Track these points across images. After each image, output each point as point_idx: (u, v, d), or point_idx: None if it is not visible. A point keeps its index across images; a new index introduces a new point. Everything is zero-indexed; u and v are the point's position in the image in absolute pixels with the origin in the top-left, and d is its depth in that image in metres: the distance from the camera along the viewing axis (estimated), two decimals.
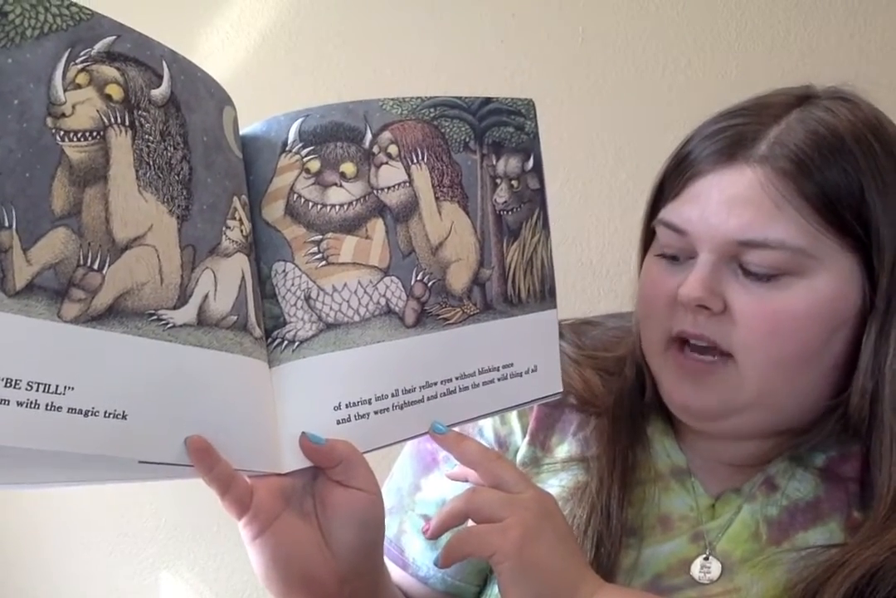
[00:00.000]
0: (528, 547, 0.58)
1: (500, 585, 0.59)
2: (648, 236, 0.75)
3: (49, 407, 0.44)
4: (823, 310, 0.67)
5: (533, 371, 0.67)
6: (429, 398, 0.61)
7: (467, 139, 0.66)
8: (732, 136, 0.68)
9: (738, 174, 0.67)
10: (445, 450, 0.63)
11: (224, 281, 0.54)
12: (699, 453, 0.76)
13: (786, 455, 0.72)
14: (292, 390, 0.57)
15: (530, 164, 0.69)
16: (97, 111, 0.48)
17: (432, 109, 0.64)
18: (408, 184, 0.62)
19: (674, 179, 0.72)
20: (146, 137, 0.50)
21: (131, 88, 0.49)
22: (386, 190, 0.62)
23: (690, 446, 0.77)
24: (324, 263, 0.59)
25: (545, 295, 0.69)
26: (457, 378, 0.63)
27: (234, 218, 0.55)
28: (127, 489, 1.23)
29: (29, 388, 0.43)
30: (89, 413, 0.46)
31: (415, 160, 0.63)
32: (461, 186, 0.65)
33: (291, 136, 0.60)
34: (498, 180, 0.67)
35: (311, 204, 0.59)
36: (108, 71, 0.49)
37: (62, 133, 0.46)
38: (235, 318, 0.55)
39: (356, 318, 0.59)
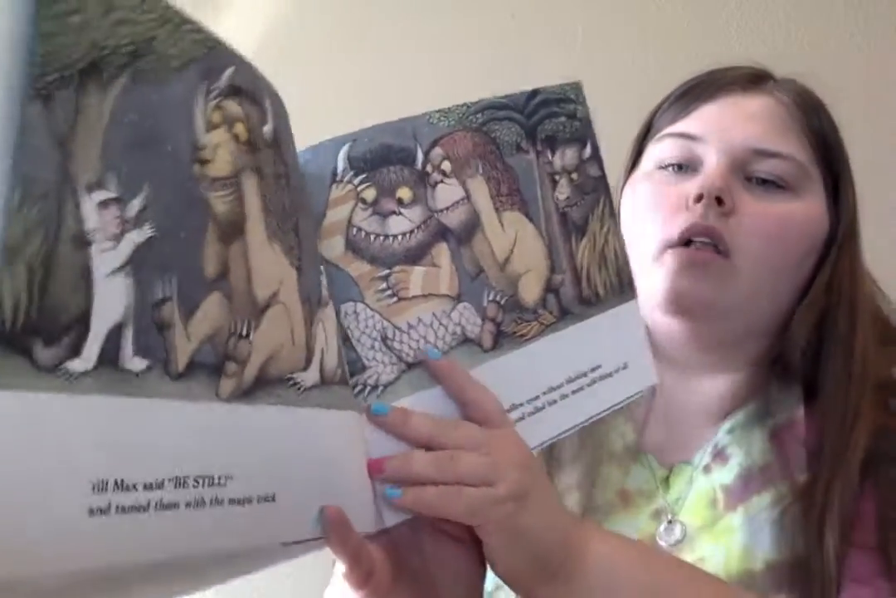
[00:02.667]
0: (522, 514, 0.53)
1: (492, 554, 0.54)
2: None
3: (213, 502, 0.39)
4: (811, 228, 0.74)
5: (623, 369, 0.65)
6: (517, 420, 0.59)
7: (518, 140, 0.62)
8: (745, 75, 0.77)
9: (754, 98, 0.75)
10: (391, 433, 0.54)
11: (329, 333, 0.51)
12: (657, 417, 0.80)
13: (739, 418, 0.75)
14: (380, 440, 0.56)
15: (588, 151, 0.65)
16: (230, 154, 0.42)
17: (479, 115, 0.60)
18: (466, 200, 0.59)
19: (677, 109, 0.77)
20: (267, 180, 0.45)
21: (252, 127, 0.44)
22: (445, 211, 0.59)
23: (648, 419, 0.80)
24: (395, 299, 0.57)
25: (623, 286, 0.66)
26: (544, 393, 0.61)
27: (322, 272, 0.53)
28: None
29: (196, 484, 0.38)
30: (246, 502, 0.41)
31: (469, 173, 0.60)
32: (519, 192, 0.62)
33: (341, 164, 0.56)
34: (556, 177, 0.64)
35: (372, 237, 0.57)
36: (234, 107, 0.43)
37: (208, 182, 0.41)
38: (341, 371, 0.52)
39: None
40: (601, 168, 0.66)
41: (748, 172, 0.72)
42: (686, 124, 0.75)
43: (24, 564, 0.31)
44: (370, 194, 0.57)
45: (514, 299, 0.60)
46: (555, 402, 0.61)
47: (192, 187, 0.40)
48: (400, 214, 0.57)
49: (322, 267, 0.55)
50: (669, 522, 0.74)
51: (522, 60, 1.01)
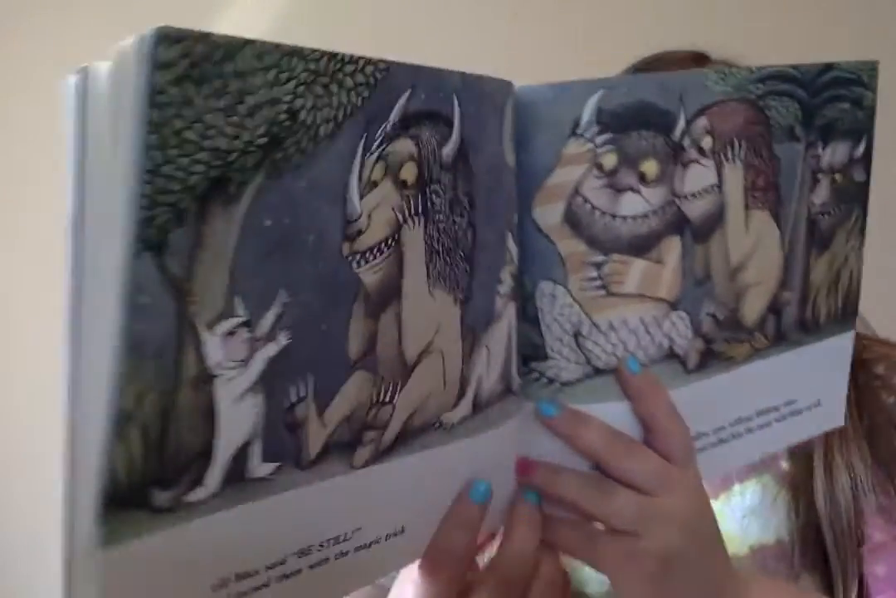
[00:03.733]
0: (663, 578, 0.45)
1: (620, 592, 0.47)
2: None
3: (338, 556, 0.37)
4: None
5: (816, 406, 0.56)
6: (697, 451, 0.50)
7: (793, 123, 0.50)
8: (684, 57, 0.76)
9: None
10: (558, 436, 0.47)
11: (495, 352, 0.43)
12: None
13: None
14: (545, 439, 0.48)
15: (860, 150, 0.54)
16: (393, 210, 0.35)
17: (760, 85, 0.49)
18: (717, 188, 0.48)
19: None
20: (437, 217, 0.38)
21: (425, 160, 0.36)
22: (690, 197, 0.48)
23: None
24: (603, 292, 0.47)
25: (846, 315, 0.56)
26: (730, 425, 0.52)
27: (506, 262, 0.43)
28: None
29: (320, 548, 0.36)
30: (373, 544, 0.39)
31: (729, 156, 0.49)
32: (776, 188, 0.51)
33: (587, 114, 0.45)
34: (819, 175, 0.52)
35: (598, 213, 0.46)
36: (404, 146, 0.35)
37: (358, 258, 0.34)
38: (502, 386, 0.44)
39: None
40: (868, 172, 0.55)
41: None
42: None
43: None
44: (610, 161, 0.46)
45: (734, 315, 0.50)
46: (739, 435, 0.52)
47: (337, 271, 0.34)
48: (638, 191, 0.47)
49: (529, 231, 0.45)
50: None
51: (524, 60, 0.96)
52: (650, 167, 0.46)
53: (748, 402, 0.52)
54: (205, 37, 0.28)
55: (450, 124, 0.38)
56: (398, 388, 0.37)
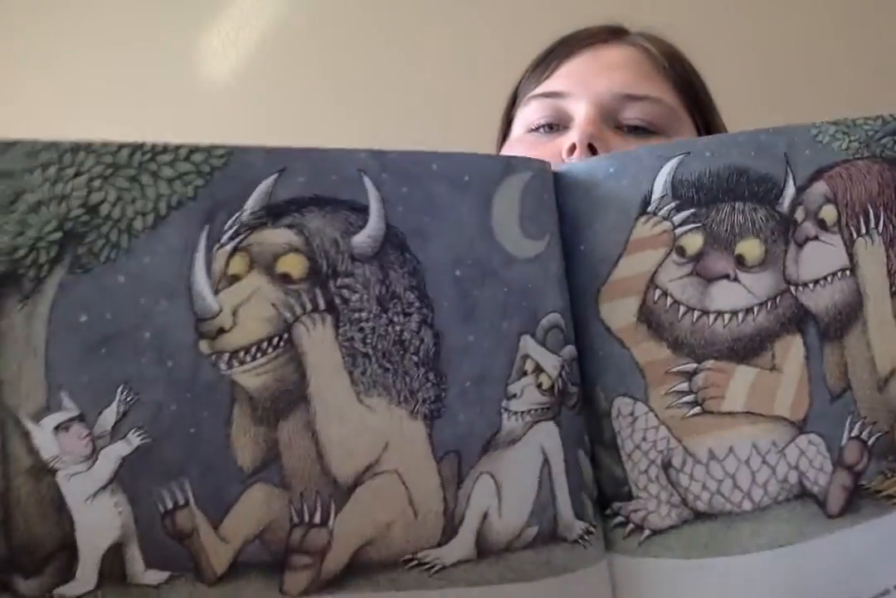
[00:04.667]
0: None
1: None
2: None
3: None
4: None
5: None
6: None
7: None
8: (601, 30, 0.73)
9: (614, 48, 0.71)
10: None
11: (511, 481, 0.35)
12: None
13: None
14: None
15: None
16: (273, 305, 0.33)
17: (893, 138, 0.38)
18: (848, 273, 0.37)
19: (539, 73, 0.72)
20: (356, 315, 0.33)
21: (318, 250, 0.33)
22: (812, 285, 0.37)
23: None
24: (697, 410, 0.36)
25: None
26: (881, 595, 0.38)
27: (522, 374, 0.35)
28: None
29: None
30: None
31: (863, 230, 0.38)
32: None
33: (659, 188, 0.36)
34: None
35: (682, 309, 0.36)
36: (276, 237, 0.33)
37: (226, 358, 0.32)
38: (536, 529, 0.35)
39: (746, 505, 0.36)
40: None
41: (618, 121, 0.66)
42: (550, 84, 0.71)
43: None
44: (695, 243, 0.36)
45: (890, 438, 0.38)
46: None
47: (196, 372, 0.32)
48: (736, 279, 0.36)
49: (596, 332, 0.36)
50: None
51: (522, 60, 0.85)
52: (751, 248, 0.36)
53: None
54: None
55: (359, 210, 0.33)
56: (330, 511, 0.33)
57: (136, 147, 0.31)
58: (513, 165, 0.36)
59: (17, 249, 0.30)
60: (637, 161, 0.37)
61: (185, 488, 0.32)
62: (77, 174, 0.30)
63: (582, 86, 0.67)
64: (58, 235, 0.30)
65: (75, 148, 0.30)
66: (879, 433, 0.37)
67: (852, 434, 0.37)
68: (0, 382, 0.30)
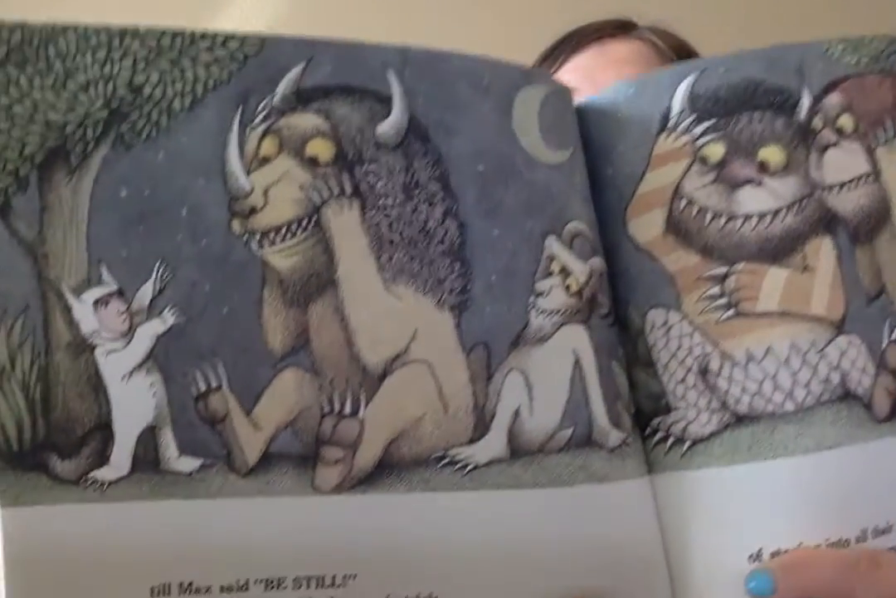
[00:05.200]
0: None
1: None
2: None
3: None
4: None
5: None
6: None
7: None
8: (609, 24, 0.73)
9: (623, 43, 0.71)
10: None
11: (542, 379, 0.34)
12: None
13: None
14: (682, 519, 0.35)
15: None
16: (301, 188, 0.33)
17: None
18: (872, 177, 0.37)
19: (548, 66, 0.72)
20: (382, 201, 0.34)
21: (345, 136, 0.34)
22: (836, 189, 0.37)
23: None
24: (731, 312, 0.36)
25: None
26: None
27: (548, 274, 0.35)
28: None
29: (297, 586, 0.32)
30: None
31: (883, 139, 0.38)
32: None
33: (678, 104, 0.37)
34: None
35: (709, 215, 0.36)
36: (305, 121, 0.33)
37: (258, 237, 0.32)
38: (570, 431, 0.34)
39: (789, 406, 0.35)
40: None
41: None
42: (558, 77, 0.67)
43: None
44: (716, 152, 0.37)
45: None
46: None
47: (229, 250, 0.32)
48: (761, 184, 0.36)
49: (626, 252, 0.37)
50: None
51: (533, 55, 0.88)
52: (773, 154, 0.37)
53: None
54: (20, 26, 0.31)
55: (383, 101, 0.34)
56: (361, 400, 0.33)
57: (178, 33, 0.33)
58: (532, 75, 0.37)
59: (67, 125, 0.31)
60: (655, 81, 0.38)
61: (219, 369, 0.32)
62: (123, 56, 0.32)
63: (589, 80, 0.67)
64: (104, 112, 0.32)
65: (123, 32, 0.32)
66: None
67: (892, 338, 0.36)
68: (45, 254, 0.31)
